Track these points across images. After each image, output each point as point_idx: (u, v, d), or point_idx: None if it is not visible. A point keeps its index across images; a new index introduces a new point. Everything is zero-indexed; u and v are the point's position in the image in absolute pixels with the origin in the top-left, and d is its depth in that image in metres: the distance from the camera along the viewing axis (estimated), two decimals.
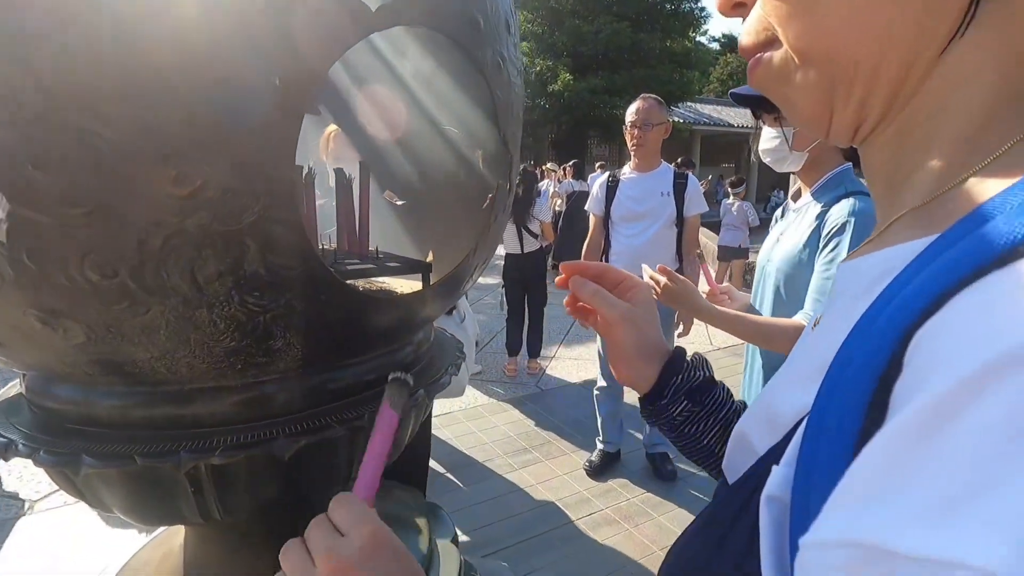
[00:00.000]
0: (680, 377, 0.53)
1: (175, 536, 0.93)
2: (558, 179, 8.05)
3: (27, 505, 2.42)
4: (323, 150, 1.53)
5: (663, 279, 1.29)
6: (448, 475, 2.69)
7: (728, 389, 0.56)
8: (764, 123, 1.51)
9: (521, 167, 4.35)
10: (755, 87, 0.35)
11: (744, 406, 0.56)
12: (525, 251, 4.07)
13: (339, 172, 0.81)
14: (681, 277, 1.29)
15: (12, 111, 0.42)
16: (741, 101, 1.39)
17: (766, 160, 1.57)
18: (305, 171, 0.84)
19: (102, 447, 0.59)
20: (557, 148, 14.39)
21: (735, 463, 0.39)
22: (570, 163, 8.39)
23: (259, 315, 0.54)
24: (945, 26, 0.29)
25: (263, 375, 0.63)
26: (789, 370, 0.38)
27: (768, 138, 1.50)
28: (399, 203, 1.04)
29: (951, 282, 0.22)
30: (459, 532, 2.12)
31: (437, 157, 0.82)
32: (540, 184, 4.90)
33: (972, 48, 0.29)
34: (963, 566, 0.17)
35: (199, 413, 0.63)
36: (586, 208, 2.83)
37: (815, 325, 0.38)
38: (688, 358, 0.55)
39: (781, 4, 0.32)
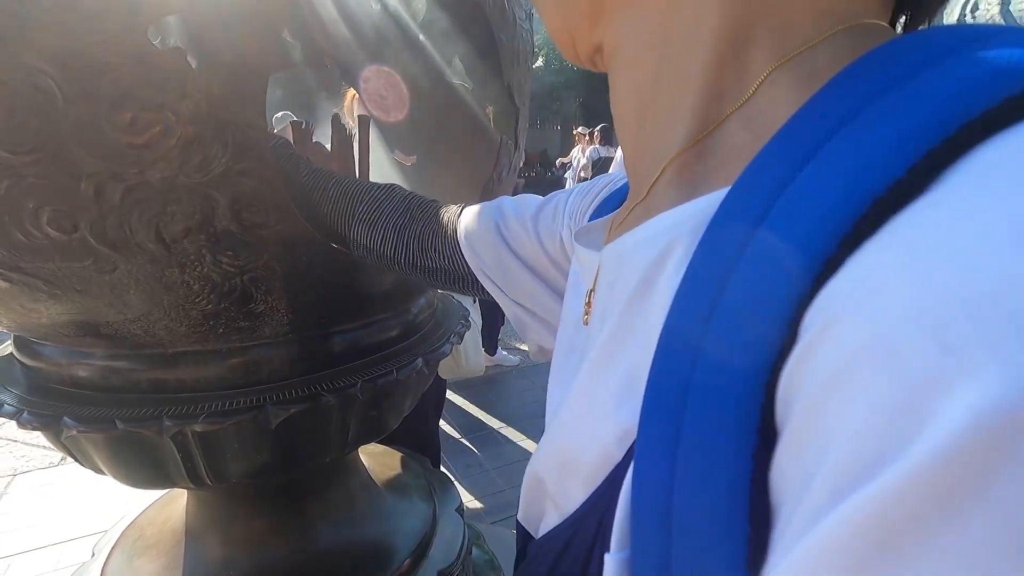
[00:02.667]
0: None
1: (181, 496, 0.93)
2: (584, 146, 7.73)
3: (56, 459, 2.52)
4: (348, 113, 1.48)
5: None
6: (463, 440, 2.70)
7: None
8: None
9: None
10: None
11: None
12: None
13: (336, 124, 0.75)
14: None
15: None
16: None
17: None
18: (303, 125, 0.79)
19: (84, 410, 0.57)
20: (586, 112, 14.00)
21: (533, 513, 0.33)
22: (598, 127, 8.08)
23: (235, 276, 0.50)
24: None
25: (249, 340, 0.60)
26: (575, 393, 0.28)
27: None
28: (410, 164, 0.99)
29: (785, 312, 0.16)
30: (473, 498, 2.14)
31: (439, 109, 0.76)
32: (573, 151, 4.82)
33: None
34: None
35: (184, 378, 0.60)
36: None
37: (586, 318, 0.32)
38: None
39: None
